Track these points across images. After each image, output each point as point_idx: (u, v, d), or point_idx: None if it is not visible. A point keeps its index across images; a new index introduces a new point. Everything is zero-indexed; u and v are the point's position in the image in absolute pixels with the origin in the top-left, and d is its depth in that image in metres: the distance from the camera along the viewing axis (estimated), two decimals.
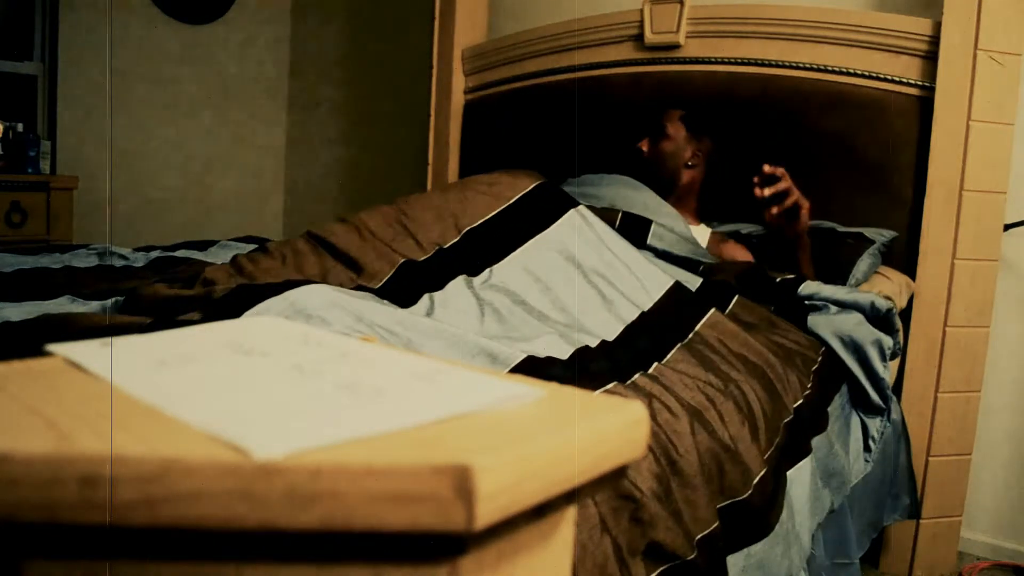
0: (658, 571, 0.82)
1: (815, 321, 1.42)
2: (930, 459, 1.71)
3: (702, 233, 1.84)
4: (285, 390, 0.37)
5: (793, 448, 1.14)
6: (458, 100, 2.52)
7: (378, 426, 0.32)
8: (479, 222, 1.39)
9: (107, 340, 0.43)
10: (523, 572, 0.34)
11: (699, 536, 0.88)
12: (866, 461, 1.42)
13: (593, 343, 1.12)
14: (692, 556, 0.85)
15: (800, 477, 1.12)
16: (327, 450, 0.29)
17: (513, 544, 0.32)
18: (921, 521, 1.72)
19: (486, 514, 0.28)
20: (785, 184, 1.56)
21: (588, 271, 1.30)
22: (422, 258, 1.31)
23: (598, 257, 1.33)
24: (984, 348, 1.71)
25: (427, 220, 1.39)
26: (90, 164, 3.15)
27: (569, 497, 0.33)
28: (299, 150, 3.78)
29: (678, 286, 1.32)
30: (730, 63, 1.96)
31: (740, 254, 1.76)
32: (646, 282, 1.30)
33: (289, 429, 0.31)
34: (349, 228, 1.36)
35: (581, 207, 1.45)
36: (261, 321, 0.52)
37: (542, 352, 1.04)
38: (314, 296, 1.01)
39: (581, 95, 2.17)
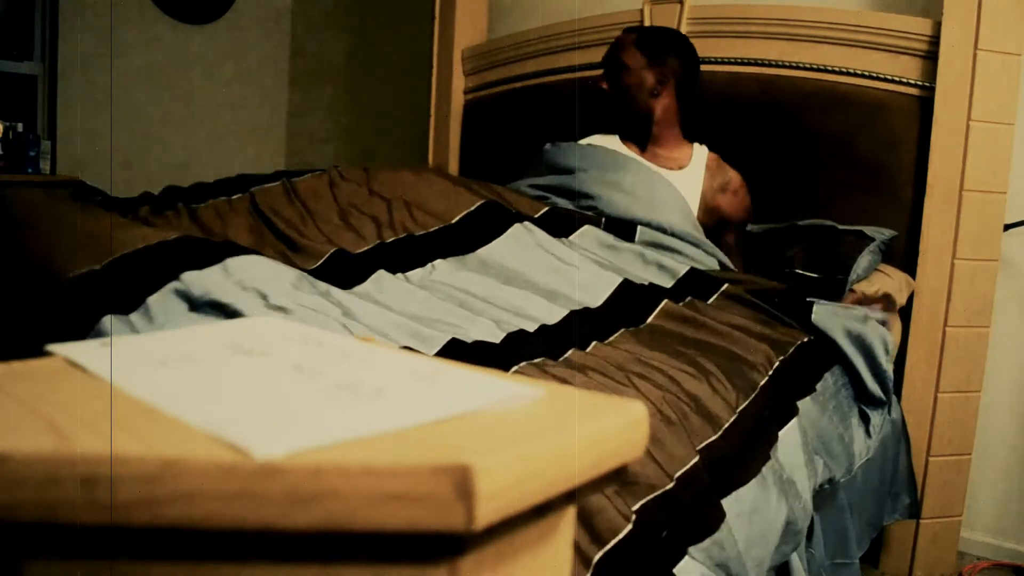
0: (640, 503, 0.82)
1: (820, 315, 1.39)
2: (930, 459, 1.71)
3: (698, 156, 1.79)
4: (285, 390, 0.37)
5: (778, 409, 1.14)
6: (458, 100, 2.52)
7: (378, 426, 0.32)
8: (421, 232, 1.41)
9: (107, 340, 0.43)
10: (523, 572, 0.33)
11: (678, 473, 0.88)
12: (867, 448, 1.41)
13: (532, 328, 1.11)
14: (670, 487, 0.85)
15: (790, 436, 1.12)
16: (327, 450, 0.29)
17: (513, 544, 0.32)
18: (921, 521, 1.72)
19: (486, 514, 0.28)
20: None
21: (530, 279, 1.30)
22: (361, 249, 1.32)
23: (543, 265, 1.34)
24: (984, 348, 1.71)
25: (370, 219, 1.42)
26: (90, 164, 3.15)
27: (569, 497, 0.33)
28: (299, 150, 3.78)
29: (627, 284, 1.31)
30: (730, 63, 1.96)
31: (734, 209, 1.72)
32: (593, 285, 1.30)
33: (289, 429, 0.31)
34: (293, 211, 1.41)
35: (526, 223, 1.45)
36: (261, 321, 0.52)
37: (474, 337, 1.03)
38: (259, 268, 1.03)
39: (581, 95, 2.17)
